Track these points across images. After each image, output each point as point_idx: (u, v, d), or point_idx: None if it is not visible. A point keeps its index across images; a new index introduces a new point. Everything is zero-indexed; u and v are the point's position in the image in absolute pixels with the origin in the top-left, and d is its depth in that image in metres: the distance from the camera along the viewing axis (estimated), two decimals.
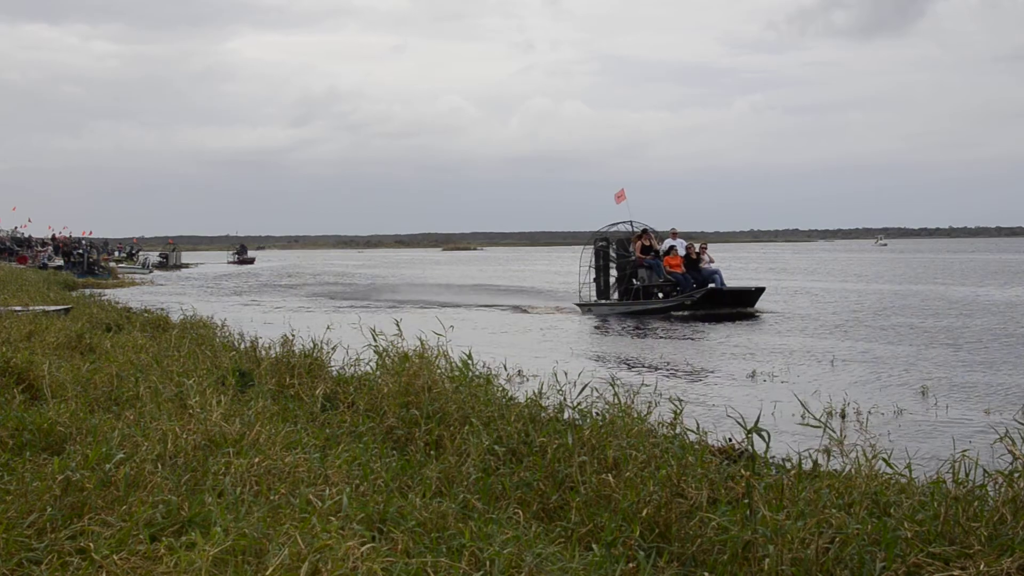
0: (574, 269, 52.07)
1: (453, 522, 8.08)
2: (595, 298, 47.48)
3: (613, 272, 47.43)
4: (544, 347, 30.96)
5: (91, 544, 7.09)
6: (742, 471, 9.42)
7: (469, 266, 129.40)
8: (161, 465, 8.97)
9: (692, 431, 11.39)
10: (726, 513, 8.33)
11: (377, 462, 9.87)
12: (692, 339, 34.04)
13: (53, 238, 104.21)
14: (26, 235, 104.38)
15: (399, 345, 15.62)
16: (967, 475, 9.17)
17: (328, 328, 18.13)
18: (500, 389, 14.10)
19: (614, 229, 47.91)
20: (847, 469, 9.76)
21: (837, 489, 9.11)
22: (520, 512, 8.77)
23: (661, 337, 34.78)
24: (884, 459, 9.79)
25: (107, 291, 57.55)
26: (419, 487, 9.31)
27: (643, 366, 26.22)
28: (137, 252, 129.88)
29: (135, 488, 8.30)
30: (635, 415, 11.95)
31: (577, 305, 47.89)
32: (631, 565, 7.81)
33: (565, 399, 12.55)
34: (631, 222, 47.87)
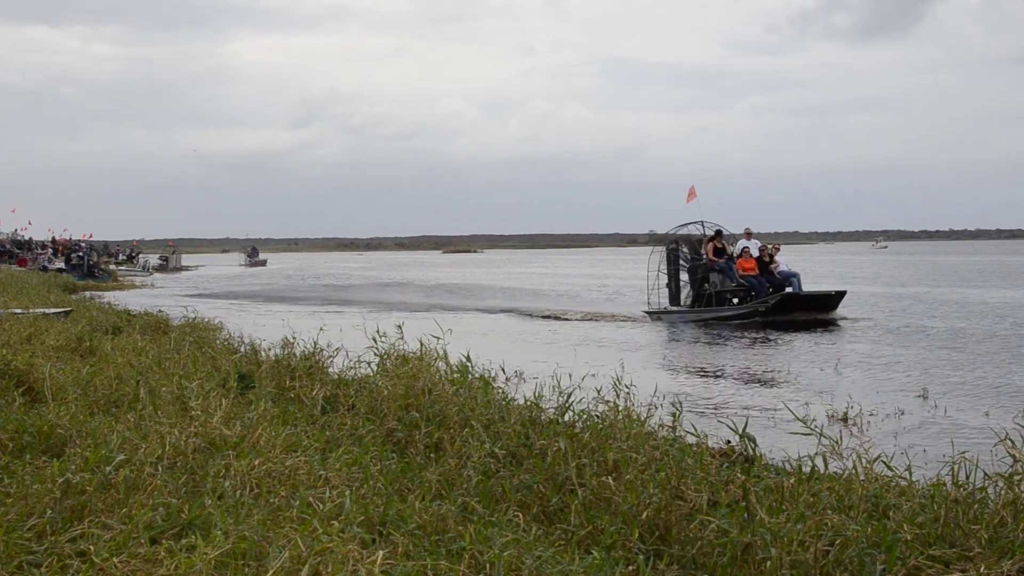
0: (596, 272, 50.60)
1: (453, 525, 8.09)
2: (667, 305, 44.42)
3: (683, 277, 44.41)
4: (615, 358, 26.82)
5: (91, 547, 7.09)
6: (739, 474, 9.44)
7: (493, 268, 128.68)
8: (161, 468, 8.97)
9: (691, 433, 11.40)
10: (726, 516, 8.33)
11: (377, 465, 9.88)
12: (769, 349, 32.12)
13: (53, 240, 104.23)
14: (26, 237, 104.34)
15: (399, 347, 15.65)
16: (967, 477, 9.18)
17: (320, 330, 18.02)
18: (500, 392, 14.10)
19: (684, 231, 44.84)
20: (846, 471, 9.75)
21: (836, 491, 9.11)
22: (520, 515, 8.77)
23: (735, 347, 32.76)
24: (884, 461, 9.80)
25: (107, 294, 57.53)
26: (419, 490, 9.32)
27: (718, 378, 25.19)
28: (137, 255, 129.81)
29: (135, 491, 8.30)
30: (635, 418, 11.97)
31: (647, 313, 44.66)
32: (631, 568, 7.82)
33: (566, 402, 12.55)
34: (702, 222, 44.63)
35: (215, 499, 8.23)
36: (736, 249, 42.70)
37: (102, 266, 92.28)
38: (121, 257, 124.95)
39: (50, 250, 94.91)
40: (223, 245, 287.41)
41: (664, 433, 11.69)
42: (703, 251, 43.32)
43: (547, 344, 33.40)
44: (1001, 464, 9.46)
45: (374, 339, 16.09)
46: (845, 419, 17.53)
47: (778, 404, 18.82)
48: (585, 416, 11.97)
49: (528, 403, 12.75)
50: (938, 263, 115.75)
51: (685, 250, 44.27)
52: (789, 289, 40.83)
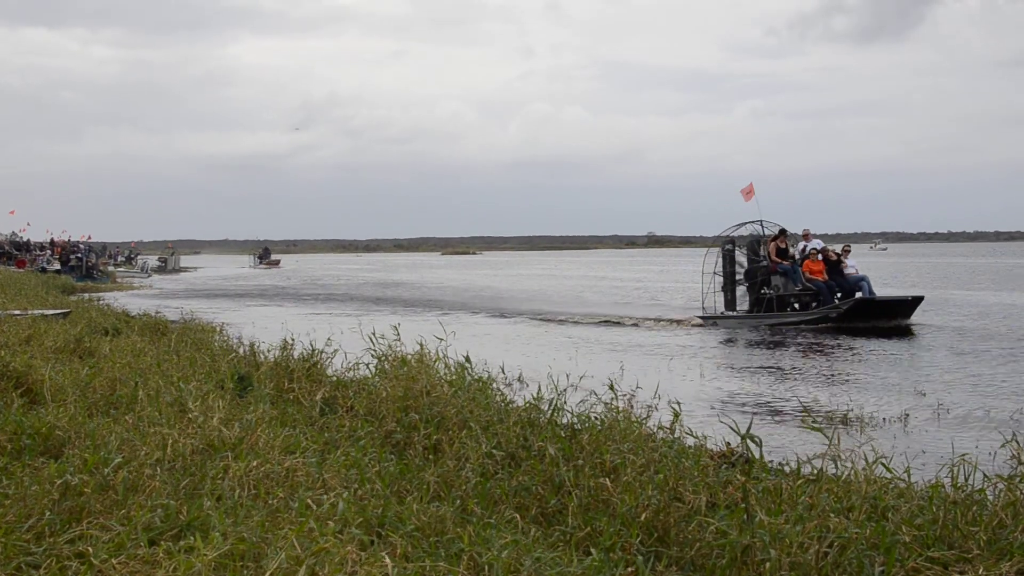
0: (616, 274, 49.06)
1: (451, 526, 8.08)
2: (724, 310, 41.71)
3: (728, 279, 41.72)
4: (673, 368, 26.89)
5: (90, 548, 7.10)
6: (739, 476, 9.43)
7: (509, 270, 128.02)
8: (160, 469, 8.97)
9: (690, 435, 11.40)
10: (725, 517, 8.33)
11: (375, 466, 9.87)
12: (847, 357, 29.78)
13: (52, 242, 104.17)
14: (24, 239, 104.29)
15: (398, 349, 15.65)
16: (966, 479, 9.19)
17: (308, 330, 18.01)
18: (498, 393, 14.11)
19: (739, 232, 42.05)
20: (846, 473, 9.75)
21: (836, 493, 9.11)
22: (518, 516, 8.77)
23: (808, 355, 30.63)
24: (883, 463, 9.80)
25: (106, 295, 57.53)
26: (417, 491, 9.32)
27: (791, 390, 23.00)
28: (136, 256, 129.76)
29: (134, 492, 8.30)
30: (633, 419, 11.97)
31: (701, 318, 41.72)
32: (629, 569, 7.82)
33: (556, 402, 12.53)
34: (761, 222, 41.94)
35: (213, 500, 8.23)
36: (797, 250, 40.62)
37: (101, 267, 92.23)
38: (120, 259, 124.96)
39: (48, 252, 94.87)
40: (222, 247, 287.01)
41: (663, 435, 11.67)
42: (764, 252, 40.82)
43: (608, 352, 31.26)
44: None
45: (371, 340, 16.08)
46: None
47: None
48: (583, 418, 11.96)
49: (527, 405, 12.75)
50: (953, 264, 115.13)
51: (742, 250, 41.75)
52: (859, 294, 38.64)
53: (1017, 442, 9.54)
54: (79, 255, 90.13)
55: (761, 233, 41.57)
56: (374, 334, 16.26)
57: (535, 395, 13.08)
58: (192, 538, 7.08)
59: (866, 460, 9.77)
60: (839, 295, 38.54)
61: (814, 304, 38.83)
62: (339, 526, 7.46)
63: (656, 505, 8.72)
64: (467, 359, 15.26)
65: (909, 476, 9.62)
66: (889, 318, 37.61)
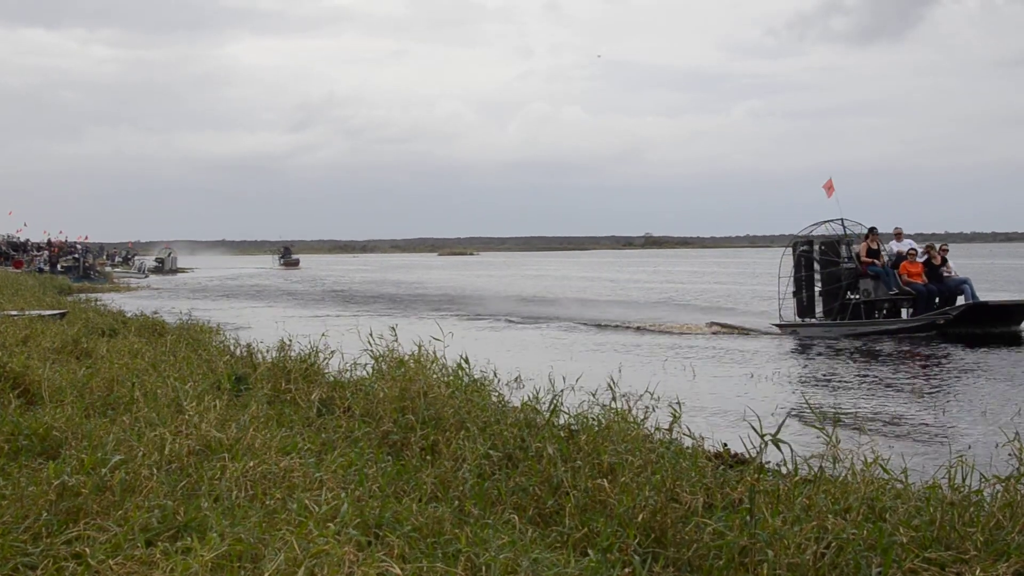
0: (639, 276, 47.15)
1: (449, 527, 8.08)
2: (798, 317, 38.41)
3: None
4: (752, 380, 24.66)
5: (87, 549, 7.09)
6: (746, 476, 9.43)
7: (527, 270, 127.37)
8: (157, 470, 8.96)
9: (688, 436, 11.39)
10: (722, 518, 8.34)
11: (373, 467, 9.87)
12: (951, 369, 26.98)
13: (49, 243, 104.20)
14: (22, 239, 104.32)
15: (396, 350, 15.66)
16: (963, 480, 9.19)
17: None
18: (496, 394, 14.11)
19: (817, 232, 38.77)
20: (843, 474, 9.75)
21: (833, 494, 9.11)
22: (516, 517, 8.75)
23: (905, 366, 27.93)
24: (880, 464, 9.80)
25: (103, 295, 57.52)
26: (415, 492, 9.32)
27: (879, 405, 21.05)
28: (133, 257, 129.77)
29: (131, 493, 8.30)
30: (631, 420, 11.96)
31: (777, 326, 38.62)
32: (627, 570, 7.82)
33: (560, 404, 12.53)
34: (842, 220, 38.49)
35: (211, 501, 8.23)
36: (888, 251, 37.36)
37: (98, 268, 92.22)
38: (117, 259, 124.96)
39: (46, 252, 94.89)
40: (219, 248, 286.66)
41: (660, 436, 11.66)
42: (847, 253, 37.55)
43: (677, 358, 29.42)
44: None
45: (369, 341, 16.09)
46: None
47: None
48: (581, 419, 11.96)
49: (524, 405, 12.76)
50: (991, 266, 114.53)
51: (819, 251, 38.40)
52: (961, 298, 35.38)
53: (1019, 441, 9.55)
54: (76, 255, 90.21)
55: (842, 233, 38.30)
56: (371, 335, 16.27)
57: (532, 396, 13.09)
58: (189, 539, 7.09)
59: (864, 461, 9.79)
60: (937, 300, 35.65)
61: (911, 310, 36.07)
62: (337, 527, 7.46)
63: (653, 506, 8.72)
64: (465, 360, 15.27)
65: (906, 477, 9.63)
66: (1003, 324, 34.79)
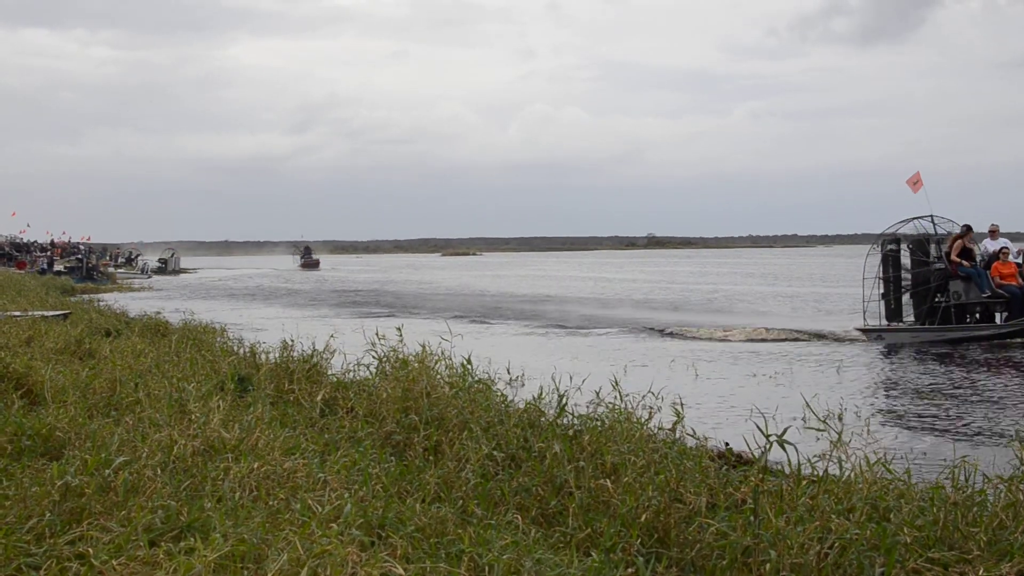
0: (692, 279, 45.16)
1: (452, 528, 8.08)
2: (885, 320, 35.48)
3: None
4: (838, 387, 23.41)
5: (90, 550, 7.09)
6: (751, 476, 9.43)
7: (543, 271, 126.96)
8: (160, 470, 8.96)
9: (692, 436, 11.40)
10: (726, 518, 8.34)
11: (376, 467, 9.87)
12: None
13: (52, 243, 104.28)
14: (25, 240, 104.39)
15: (400, 350, 15.66)
16: (966, 480, 9.20)
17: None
18: (499, 394, 14.11)
19: (904, 230, 35.80)
20: (847, 474, 9.75)
21: (837, 494, 9.11)
22: (519, 517, 8.77)
23: (1005, 379, 25.22)
24: (883, 464, 9.80)
25: (106, 296, 57.57)
26: (418, 492, 9.32)
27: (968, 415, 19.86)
28: (136, 257, 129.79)
29: (134, 493, 8.30)
30: (635, 420, 11.96)
31: (861, 330, 35.64)
32: (630, 571, 7.83)
33: (565, 404, 12.53)
34: (931, 217, 35.49)
35: (214, 502, 8.23)
36: (982, 251, 34.68)
37: (101, 269, 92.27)
38: (120, 260, 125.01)
39: (49, 253, 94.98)
40: (221, 248, 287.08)
41: (664, 436, 11.67)
42: (944, 251, 34.71)
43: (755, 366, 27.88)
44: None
45: (373, 343, 16.10)
46: None
47: None
48: (584, 419, 11.97)
49: (528, 406, 12.77)
50: None
51: (907, 250, 35.49)
52: None
53: (1019, 443, 9.55)
54: (79, 256, 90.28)
55: (933, 231, 35.42)
56: (377, 335, 16.28)
57: (536, 396, 13.11)
58: (193, 539, 7.08)
59: (867, 461, 9.78)
60: None
61: (1004, 314, 33.54)
62: (340, 527, 7.46)
63: (657, 506, 8.73)
64: (468, 360, 15.28)
65: (910, 477, 9.63)
66: None
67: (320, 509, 7.96)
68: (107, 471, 8.52)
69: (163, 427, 10.51)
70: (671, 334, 38.20)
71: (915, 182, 36.11)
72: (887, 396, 23.17)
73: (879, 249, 36.21)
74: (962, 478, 9.25)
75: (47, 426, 10.56)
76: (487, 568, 7.19)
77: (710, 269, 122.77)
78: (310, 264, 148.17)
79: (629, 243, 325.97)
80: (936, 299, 34.37)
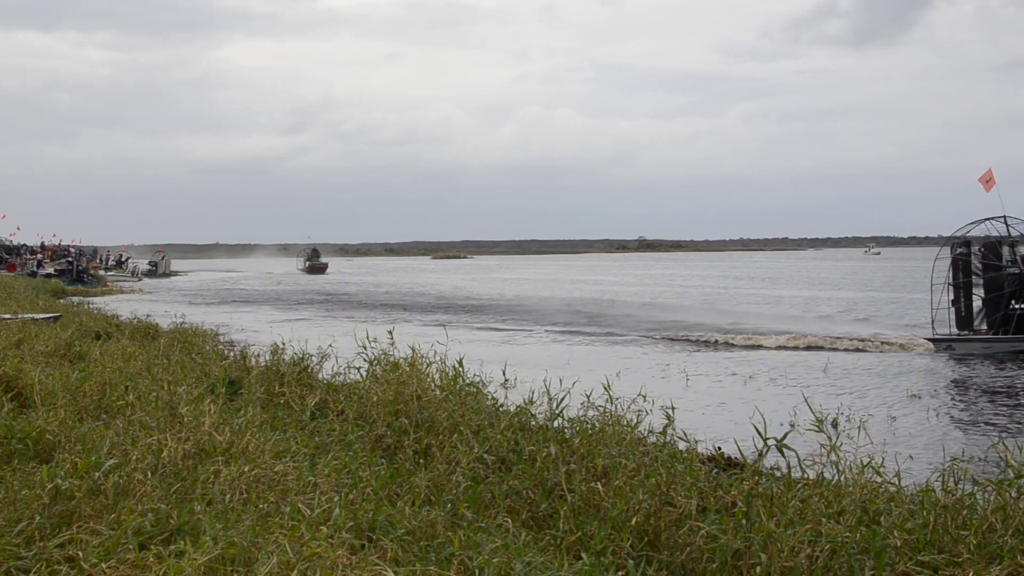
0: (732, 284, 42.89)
1: (442, 530, 8.08)
2: (955, 329, 33.82)
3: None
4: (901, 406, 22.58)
5: (80, 552, 7.08)
6: (743, 480, 9.43)
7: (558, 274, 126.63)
8: (151, 473, 8.95)
9: (682, 439, 11.39)
10: (716, 521, 8.33)
11: (366, 470, 9.87)
12: None
13: (43, 246, 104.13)
14: (15, 243, 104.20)
15: (391, 354, 15.67)
16: (956, 483, 9.20)
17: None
18: (490, 398, 14.11)
19: (976, 232, 34.47)
20: (837, 478, 9.75)
21: (827, 498, 9.12)
22: (509, 520, 8.77)
23: None
24: (873, 467, 9.80)
25: (97, 299, 57.57)
26: (408, 495, 9.31)
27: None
28: (126, 260, 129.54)
29: (124, 496, 8.28)
30: (625, 424, 11.96)
31: (931, 340, 33.76)
32: (620, 574, 7.82)
33: (555, 408, 12.54)
34: (1004, 218, 33.97)
35: (204, 505, 8.22)
36: None
37: (91, 271, 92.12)
38: (110, 262, 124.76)
39: (39, 255, 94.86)
40: (213, 251, 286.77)
41: (654, 439, 11.67)
42: (1018, 256, 33.29)
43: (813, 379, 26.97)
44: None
45: (363, 346, 16.09)
46: None
47: None
48: (575, 422, 11.97)
49: (518, 409, 12.77)
50: None
51: (978, 254, 33.88)
52: None
53: (1005, 445, 9.55)
54: (69, 259, 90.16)
55: (1006, 233, 34.04)
56: (367, 338, 16.27)
57: (527, 399, 13.11)
58: (182, 542, 7.07)
59: (860, 464, 9.79)
60: None
61: None
62: (330, 530, 7.45)
63: (647, 509, 8.72)
64: (460, 363, 15.28)
65: (900, 480, 9.63)
66: None
67: (310, 512, 7.95)
68: (97, 474, 8.51)
69: (153, 430, 10.51)
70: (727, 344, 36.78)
71: (987, 180, 34.52)
72: (941, 416, 21.49)
73: (951, 253, 34.05)
74: (952, 482, 9.26)
75: (37, 429, 10.53)
76: (477, 571, 7.18)
77: (730, 273, 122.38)
78: (317, 268, 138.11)
79: (620, 246, 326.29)
80: (1011, 306, 32.90)
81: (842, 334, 37.61)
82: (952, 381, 26.96)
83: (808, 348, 34.73)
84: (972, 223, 34.26)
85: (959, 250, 34.02)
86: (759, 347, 35.55)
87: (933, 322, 34.21)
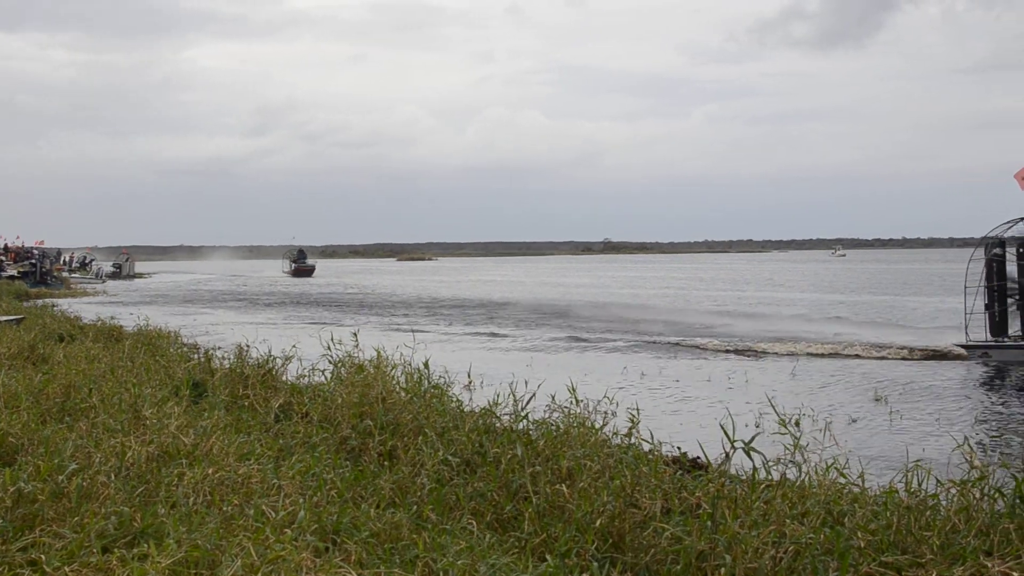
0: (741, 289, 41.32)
1: (407, 533, 8.07)
2: (990, 336, 31.66)
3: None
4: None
5: (42, 556, 7.04)
6: (708, 482, 9.44)
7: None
8: (114, 476, 8.92)
9: (647, 441, 11.40)
10: (680, 523, 8.34)
11: (331, 473, 9.85)
12: None
13: (5, 248, 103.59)
14: None
15: (356, 356, 15.65)
16: (920, 484, 9.23)
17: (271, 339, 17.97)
18: (455, 400, 14.11)
19: (1014, 232, 32.12)
20: (802, 479, 9.78)
21: (791, 499, 9.14)
22: (474, 523, 8.75)
23: None
24: (837, 469, 9.83)
25: (60, 301, 57.35)
26: (373, 498, 9.31)
27: None
28: (91, 262, 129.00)
29: (88, 499, 8.25)
30: (590, 426, 11.97)
31: (964, 347, 31.84)
32: None
33: (520, 409, 12.54)
34: None
35: (168, 508, 8.19)
36: None
37: (55, 273, 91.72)
38: (74, 264, 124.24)
39: (2, 258, 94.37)
40: (176, 253, 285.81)
41: (619, 441, 11.67)
42: None
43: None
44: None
45: (328, 347, 16.07)
46: None
47: None
48: (540, 424, 11.96)
49: (483, 411, 12.77)
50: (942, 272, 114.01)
51: (1015, 254, 31.80)
52: None
53: (970, 446, 9.60)
54: (33, 260, 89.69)
55: None
56: (332, 339, 16.25)
57: (492, 401, 13.11)
58: (146, 545, 7.05)
59: (825, 465, 9.82)
60: None
61: None
62: (295, 533, 7.44)
63: (612, 511, 8.72)
64: (425, 365, 15.27)
65: (863, 482, 9.66)
66: None
67: (274, 515, 7.94)
68: (60, 477, 8.47)
69: (117, 433, 10.48)
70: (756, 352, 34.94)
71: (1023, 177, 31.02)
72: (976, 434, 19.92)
73: (985, 254, 32.27)
74: (915, 483, 9.29)
75: (0, 432, 10.49)
76: (442, 573, 7.18)
77: (721, 275, 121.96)
78: (304, 270, 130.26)
79: (585, 248, 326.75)
80: None
81: (870, 339, 36.31)
82: (982, 395, 25.43)
83: (832, 355, 33.34)
84: (1009, 222, 32.05)
85: (994, 251, 31.87)
86: (792, 354, 33.97)
87: (967, 328, 32.04)
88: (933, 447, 16.85)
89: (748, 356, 33.63)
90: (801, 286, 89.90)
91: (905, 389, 25.71)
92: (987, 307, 31.68)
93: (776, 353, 34.22)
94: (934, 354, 32.02)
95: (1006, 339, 31.19)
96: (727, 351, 35.16)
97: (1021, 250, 31.26)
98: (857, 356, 32.80)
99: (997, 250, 31.71)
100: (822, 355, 33.39)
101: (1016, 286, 31.56)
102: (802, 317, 49.16)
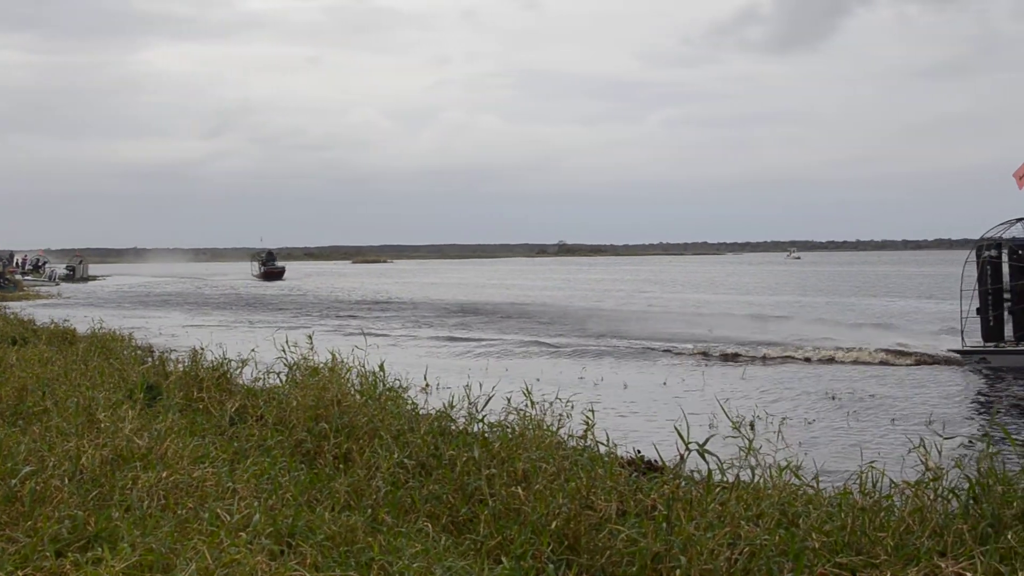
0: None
1: (362, 536, 8.06)
2: (983, 340, 31.05)
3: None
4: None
5: None
6: (663, 483, 9.46)
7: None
8: (68, 480, 8.87)
9: (602, 443, 11.42)
10: (636, 525, 8.36)
11: (286, 476, 9.83)
12: None
13: None
14: None
15: (311, 358, 15.62)
16: (874, 486, 9.28)
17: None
18: (410, 402, 14.10)
19: (1010, 233, 31.48)
20: (756, 480, 9.81)
21: (746, 501, 9.16)
22: (430, 525, 8.76)
23: None
24: (792, 470, 9.87)
25: (13, 304, 57.02)
26: (328, 501, 9.29)
27: None
28: (44, 264, 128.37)
29: (41, 503, 8.21)
30: (546, 428, 11.98)
31: (959, 352, 31.23)
32: None
33: (476, 412, 12.54)
34: None
35: (122, 511, 8.16)
36: None
37: (7, 276, 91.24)
38: (27, 267, 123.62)
39: None
40: (130, 256, 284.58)
41: (574, 443, 11.69)
42: None
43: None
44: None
45: (283, 350, 16.04)
46: None
47: None
48: (496, 427, 11.97)
49: (438, 413, 12.77)
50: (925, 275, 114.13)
51: (1008, 256, 31.10)
52: None
53: (924, 447, 9.64)
54: None
55: None
56: (287, 342, 16.22)
57: (447, 404, 13.11)
58: (100, 549, 7.03)
59: (778, 467, 9.86)
60: None
61: None
62: (249, 536, 7.42)
63: (567, 513, 8.73)
64: (380, 368, 15.25)
65: (818, 483, 9.70)
66: None
67: (229, 518, 7.92)
68: (13, 481, 8.43)
69: (71, 436, 10.42)
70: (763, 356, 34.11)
71: (1022, 176, 30.78)
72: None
73: (977, 257, 31.65)
74: (870, 484, 9.33)
75: None
76: None
77: (694, 279, 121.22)
78: (273, 273, 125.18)
79: (540, 251, 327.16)
80: None
81: (862, 342, 35.68)
82: (975, 402, 24.99)
83: (820, 361, 32.72)
84: (1004, 223, 31.43)
85: (988, 252, 31.15)
86: (791, 359, 33.58)
87: (962, 332, 31.48)
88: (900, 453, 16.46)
89: (723, 361, 33.37)
90: (763, 288, 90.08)
91: (867, 398, 25.08)
92: (979, 311, 31.17)
93: (750, 357, 33.89)
94: (930, 359, 31.48)
95: (1004, 344, 30.33)
96: (699, 355, 34.78)
97: (1019, 251, 30.76)
98: (857, 361, 32.22)
99: (991, 252, 31.13)
100: (809, 360, 32.97)
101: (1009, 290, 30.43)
102: (782, 319, 48.66)
